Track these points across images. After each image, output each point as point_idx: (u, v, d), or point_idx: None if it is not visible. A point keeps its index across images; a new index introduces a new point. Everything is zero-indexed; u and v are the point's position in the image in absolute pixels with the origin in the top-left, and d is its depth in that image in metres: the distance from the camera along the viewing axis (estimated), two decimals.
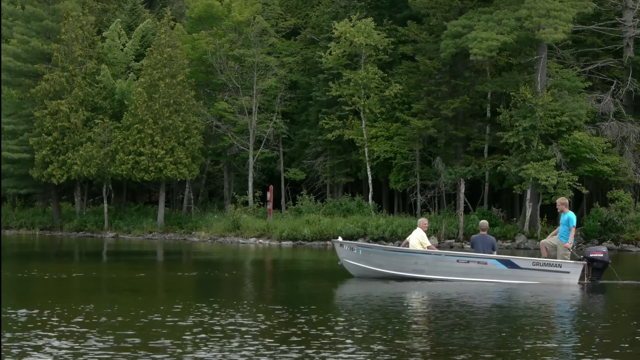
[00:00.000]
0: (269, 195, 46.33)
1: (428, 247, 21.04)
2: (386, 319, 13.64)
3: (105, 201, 52.80)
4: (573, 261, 20.29)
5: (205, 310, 14.30)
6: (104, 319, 13.11)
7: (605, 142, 41.86)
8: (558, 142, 41.25)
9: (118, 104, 51.91)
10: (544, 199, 40.96)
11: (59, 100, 50.14)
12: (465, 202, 44.37)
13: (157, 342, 11.03)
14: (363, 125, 47.94)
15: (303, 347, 10.85)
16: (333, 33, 48.10)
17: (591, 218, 40.98)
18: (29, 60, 51.84)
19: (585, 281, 20.13)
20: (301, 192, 50.03)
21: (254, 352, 10.44)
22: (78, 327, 12.14)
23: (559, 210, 21.05)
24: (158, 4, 69.82)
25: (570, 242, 20.33)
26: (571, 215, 20.43)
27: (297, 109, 53.47)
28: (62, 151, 50.31)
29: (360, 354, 10.36)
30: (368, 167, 48.18)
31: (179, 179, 51.11)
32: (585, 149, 40.96)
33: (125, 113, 49.83)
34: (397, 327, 12.73)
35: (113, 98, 52.06)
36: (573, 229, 20.37)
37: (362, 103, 47.47)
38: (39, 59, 52.04)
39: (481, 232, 21.27)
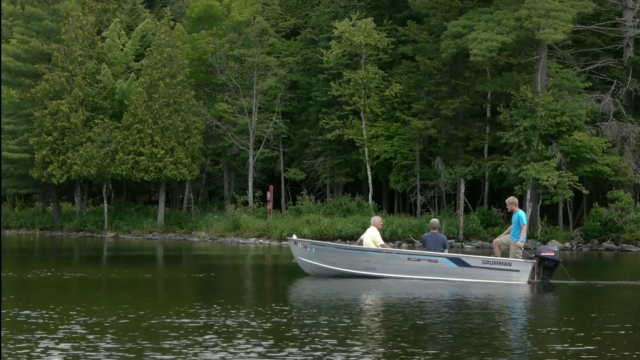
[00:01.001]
0: (269, 195, 46.34)
1: (381, 246, 21.22)
2: (331, 318, 13.59)
3: (105, 201, 52.81)
4: (523, 260, 20.37)
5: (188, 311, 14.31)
6: (109, 320, 13.10)
7: (605, 142, 41.86)
8: (558, 142, 41.25)
9: (118, 104, 51.92)
10: (544, 199, 40.96)
11: (59, 100, 50.16)
12: (465, 202, 44.37)
13: (141, 343, 11.03)
14: (363, 125, 47.96)
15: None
16: (333, 33, 48.12)
17: (591, 218, 40.97)
18: (29, 60, 51.85)
19: (536, 280, 20.22)
20: (301, 192, 50.03)
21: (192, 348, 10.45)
22: (84, 328, 12.13)
23: (509, 210, 21.21)
24: (158, 4, 69.81)
25: (521, 240, 20.43)
26: (521, 214, 20.52)
27: (297, 109, 53.47)
28: (62, 151, 50.31)
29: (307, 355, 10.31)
30: (368, 167, 48.19)
31: (179, 179, 51.13)
32: (585, 149, 40.95)
33: (125, 113, 49.84)
34: (344, 326, 12.69)
35: (113, 98, 52.07)
36: (524, 227, 20.43)
37: (362, 103, 47.48)
38: (39, 59, 52.05)
39: (432, 231, 21.40)
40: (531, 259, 20.40)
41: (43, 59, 52.14)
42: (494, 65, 46.86)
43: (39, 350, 10.30)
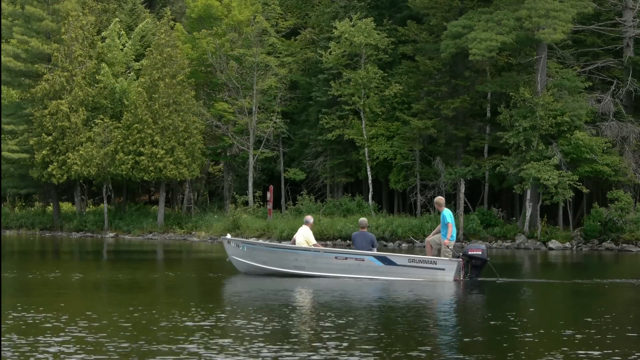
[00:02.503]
0: (269, 195, 46.34)
1: (314, 245, 21.47)
2: (263, 317, 13.64)
3: (105, 201, 52.83)
4: (448, 258, 20.54)
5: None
6: (110, 320, 13.11)
7: (605, 142, 41.86)
8: (558, 142, 41.24)
9: (118, 104, 51.93)
10: (544, 199, 40.95)
11: (59, 100, 50.17)
12: (465, 202, 44.37)
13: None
14: (363, 125, 47.96)
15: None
16: (333, 33, 48.12)
17: (591, 218, 40.96)
18: (29, 60, 51.87)
19: (462, 278, 20.37)
20: (301, 192, 50.04)
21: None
22: (90, 330, 12.13)
23: (436, 209, 21.36)
24: (158, 4, 69.83)
25: (448, 239, 20.57)
26: (446, 213, 20.66)
27: (297, 109, 53.48)
28: (62, 151, 50.32)
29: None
30: (368, 167, 48.20)
31: (179, 179, 51.14)
32: (585, 149, 40.96)
33: (125, 113, 49.85)
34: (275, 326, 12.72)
35: (113, 98, 52.08)
36: (450, 226, 20.55)
37: (362, 103, 47.49)
38: (39, 59, 52.07)
39: (361, 229, 21.55)
40: (458, 257, 20.57)
41: (43, 59, 52.15)
42: (494, 65, 46.87)
43: (48, 353, 10.30)
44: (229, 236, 22.38)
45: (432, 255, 20.90)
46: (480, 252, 20.49)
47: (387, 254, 21.73)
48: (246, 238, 43.17)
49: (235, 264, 21.86)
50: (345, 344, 10.97)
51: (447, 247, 20.55)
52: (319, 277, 20.68)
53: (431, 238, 21.38)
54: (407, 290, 18.49)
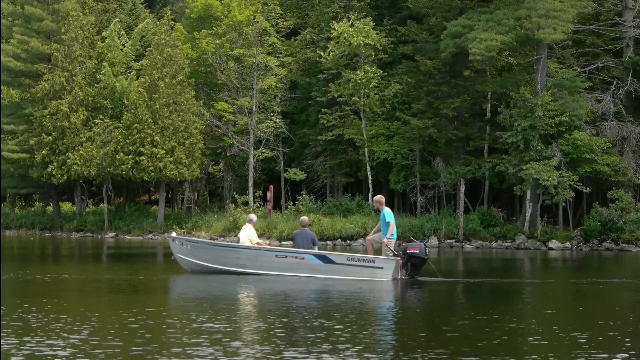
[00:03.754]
0: (269, 195, 46.33)
1: (257, 243, 21.68)
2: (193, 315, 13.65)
3: (105, 201, 52.85)
4: (387, 257, 20.66)
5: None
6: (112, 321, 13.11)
7: (605, 142, 41.86)
8: (558, 142, 41.24)
9: (118, 104, 51.94)
10: (544, 199, 40.95)
11: (59, 100, 50.18)
12: (465, 202, 44.38)
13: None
14: (363, 125, 47.97)
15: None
16: (332, 33, 48.12)
17: (591, 218, 40.96)
18: (29, 60, 51.87)
19: (400, 276, 20.47)
20: (301, 192, 50.04)
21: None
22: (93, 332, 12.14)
23: (375, 208, 21.49)
24: (158, 4, 69.88)
25: (388, 237, 20.67)
26: (386, 212, 20.76)
27: (297, 109, 53.47)
28: (62, 151, 50.33)
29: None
30: (368, 167, 48.20)
31: (179, 179, 51.14)
32: (585, 149, 40.96)
33: (125, 113, 49.86)
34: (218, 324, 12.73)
35: (113, 98, 52.09)
36: (391, 224, 20.64)
37: (362, 103, 47.49)
38: (39, 59, 52.07)
39: (302, 228, 21.74)
40: (397, 256, 20.68)
41: (43, 59, 52.15)
42: (494, 65, 46.86)
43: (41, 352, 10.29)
44: (174, 234, 22.63)
45: (373, 254, 21.12)
46: (418, 251, 20.61)
47: (327, 252, 21.97)
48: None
49: (180, 262, 22.06)
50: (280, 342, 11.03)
51: (387, 245, 20.69)
52: (260, 275, 20.83)
53: (372, 237, 21.56)
54: (345, 288, 18.68)
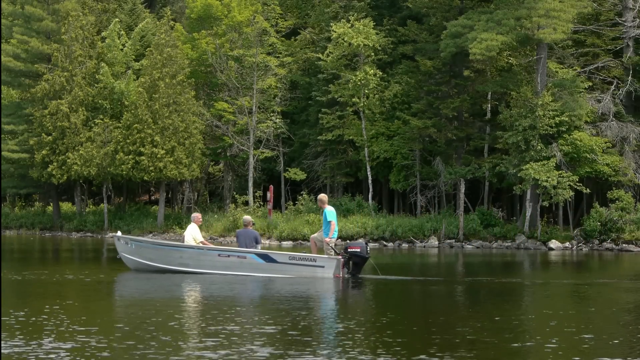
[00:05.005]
0: (269, 195, 46.35)
1: (201, 242, 21.81)
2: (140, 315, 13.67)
3: (105, 201, 52.85)
4: (328, 256, 20.81)
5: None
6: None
7: (605, 142, 41.85)
8: (558, 142, 41.23)
9: (118, 104, 51.94)
10: (543, 199, 40.94)
11: (59, 100, 50.18)
12: (465, 202, 44.37)
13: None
14: (363, 125, 47.96)
15: None
16: (332, 35, 48.09)
17: (591, 218, 40.93)
18: (29, 60, 51.87)
19: (341, 275, 20.57)
20: (301, 192, 50.04)
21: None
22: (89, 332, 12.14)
23: (319, 206, 21.64)
24: (158, 4, 69.87)
25: (330, 236, 20.83)
26: (328, 211, 20.94)
27: (297, 109, 53.47)
28: (61, 151, 50.32)
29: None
30: (368, 167, 48.19)
31: (179, 179, 51.13)
32: (585, 149, 40.95)
33: (125, 113, 49.85)
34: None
35: (113, 98, 52.09)
36: (332, 224, 20.82)
37: (362, 104, 47.48)
38: (39, 59, 52.07)
39: (244, 227, 21.90)
40: (339, 254, 20.81)
41: (43, 59, 52.15)
42: (494, 65, 46.85)
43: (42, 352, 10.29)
44: (119, 233, 22.85)
45: (316, 253, 21.27)
46: (359, 250, 20.77)
47: (269, 251, 22.15)
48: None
49: (125, 261, 22.22)
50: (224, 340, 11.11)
51: (328, 244, 20.83)
52: (203, 274, 20.90)
53: (315, 236, 21.80)
54: (287, 286, 18.88)
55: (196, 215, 22.52)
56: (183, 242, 22.16)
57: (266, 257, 21.16)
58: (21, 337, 11.16)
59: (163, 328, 12.17)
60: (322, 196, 21.70)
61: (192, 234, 21.83)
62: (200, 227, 22.49)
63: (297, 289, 18.63)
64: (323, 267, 20.66)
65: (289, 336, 11.58)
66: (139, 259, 21.86)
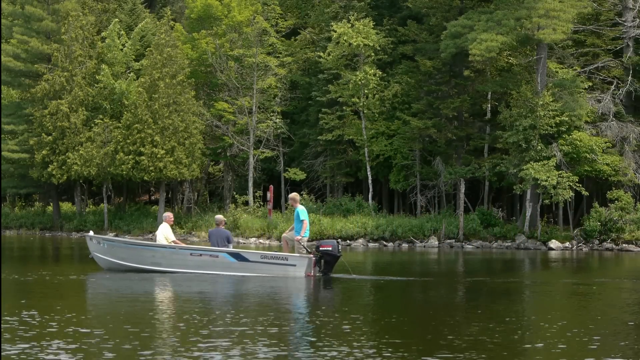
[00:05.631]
0: (269, 195, 46.35)
1: (173, 242, 21.91)
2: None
3: (105, 201, 52.85)
4: (299, 255, 20.91)
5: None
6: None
7: (605, 142, 41.87)
8: (558, 142, 41.24)
9: (118, 104, 51.94)
10: (544, 199, 40.94)
11: (59, 100, 50.18)
12: (465, 202, 44.38)
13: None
14: (363, 125, 47.97)
15: None
16: (332, 34, 48.11)
17: (591, 218, 40.94)
18: (29, 60, 51.86)
19: (313, 273, 20.68)
20: (301, 192, 50.02)
21: None
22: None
23: (289, 205, 21.79)
24: (158, 4, 69.85)
25: (302, 235, 20.95)
26: (300, 210, 21.06)
27: (297, 109, 53.47)
28: (61, 151, 50.32)
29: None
30: (368, 167, 48.20)
31: (179, 179, 51.12)
32: (585, 149, 40.96)
33: (125, 113, 49.85)
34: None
35: (113, 98, 52.09)
36: (305, 223, 20.96)
37: (362, 104, 47.48)
38: (39, 59, 52.06)
39: (216, 226, 22.00)
40: (310, 253, 20.90)
41: (43, 59, 52.14)
42: (494, 65, 46.86)
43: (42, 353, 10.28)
44: (91, 233, 22.86)
45: (288, 251, 21.38)
46: (330, 248, 20.87)
47: (241, 250, 22.24)
48: (248, 238, 43.32)
49: (97, 261, 22.29)
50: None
51: (300, 243, 20.92)
52: (176, 273, 20.98)
53: (286, 235, 21.93)
54: (258, 285, 18.97)
55: (168, 214, 22.56)
56: (155, 241, 22.26)
57: (238, 256, 21.28)
58: None
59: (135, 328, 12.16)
60: (294, 195, 21.85)
61: (164, 233, 21.90)
62: (171, 226, 22.50)
63: (268, 288, 18.69)
64: (295, 265, 20.79)
65: (259, 334, 11.63)
66: (111, 259, 21.92)
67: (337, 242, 21.32)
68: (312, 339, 11.38)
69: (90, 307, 15.24)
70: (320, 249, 20.90)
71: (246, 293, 18.05)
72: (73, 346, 10.50)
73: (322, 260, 20.88)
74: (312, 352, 10.32)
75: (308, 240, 21.55)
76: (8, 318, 12.81)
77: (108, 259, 21.95)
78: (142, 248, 22.19)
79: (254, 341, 11.03)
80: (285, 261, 20.93)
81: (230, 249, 21.59)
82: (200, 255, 21.41)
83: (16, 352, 10.07)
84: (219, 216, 22.50)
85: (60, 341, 10.84)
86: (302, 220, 20.94)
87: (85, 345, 10.58)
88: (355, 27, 47.40)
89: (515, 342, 11.56)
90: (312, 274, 20.65)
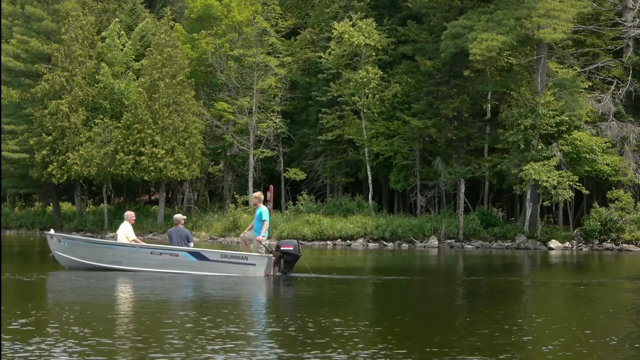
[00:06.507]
0: (269, 195, 46.28)
1: (133, 240, 21.98)
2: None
3: (105, 201, 52.85)
4: (259, 254, 20.94)
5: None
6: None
7: (605, 142, 41.87)
8: (558, 142, 41.23)
9: (118, 104, 51.95)
10: (544, 200, 40.93)
11: (59, 100, 50.18)
12: (465, 202, 44.37)
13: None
14: (363, 125, 47.97)
15: None
16: (332, 33, 48.12)
17: (591, 218, 40.95)
18: (29, 60, 51.86)
19: (273, 273, 20.71)
20: (301, 192, 50.04)
21: None
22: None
23: (252, 205, 21.72)
24: (158, 4, 69.87)
25: (262, 235, 20.96)
26: (262, 210, 21.04)
27: (297, 109, 53.48)
28: (61, 151, 50.33)
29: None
30: (368, 167, 48.20)
31: (179, 179, 51.13)
32: (585, 149, 40.96)
33: (125, 113, 49.87)
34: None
35: (113, 98, 52.10)
36: (265, 223, 20.97)
37: (362, 103, 47.49)
38: (39, 59, 52.06)
39: (175, 226, 22.00)
40: (271, 252, 20.94)
41: (43, 59, 52.14)
42: (494, 65, 46.86)
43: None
44: (52, 231, 22.89)
45: (247, 251, 21.40)
46: (291, 248, 20.94)
47: (201, 249, 22.21)
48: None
49: (58, 259, 22.31)
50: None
51: (260, 243, 20.94)
52: (136, 272, 21.01)
53: (244, 235, 21.92)
54: (217, 284, 19.01)
55: (129, 213, 22.66)
56: (116, 240, 22.32)
57: (198, 255, 21.32)
58: None
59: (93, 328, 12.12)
60: (258, 194, 21.82)
61: (125, 232, 21.97)
62: (133, 225, 22.56)
63: (227, 287, 18.71)
64: (254, 265, 20.83)
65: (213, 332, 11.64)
66: (72, 257, 21.98)
67: (298, 242, 21.47)
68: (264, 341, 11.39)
69: (35, 309, 14.77)
70: (281, 248, 20.94)
71: (203, 294, 17.96)
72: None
73: (282, 260, 20.94)
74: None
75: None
76: None
77: (69, 258, 22.02)
78: (102, 246, 22.25)
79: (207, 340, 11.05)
80: (245, 260, 20.98)
81: (191, 248, 21.64)
82: (161, 254, 21.47)
83: None
84: (178, 215, 22.52)
85: None
86: (263, 221, 20.95)
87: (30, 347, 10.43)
88: (357, 26, 47.40)
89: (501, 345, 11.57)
90: (271, 273, 20.70)
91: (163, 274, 20.78)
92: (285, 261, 20.92)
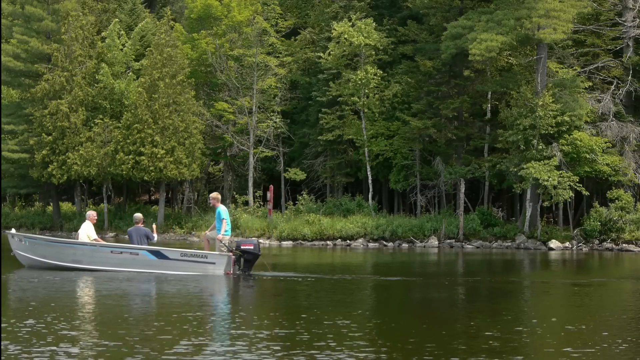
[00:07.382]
0: (269, 195, 46.35)
1: (94, 240, 22.11)
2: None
3: (105, 201, 52.83)
4: (219, 253, 21.07)
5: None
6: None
7: (605, 142, 41.86)
8: (558, 142, 41.23)
9: (118, 104, 51.94)
10: (544, 200, 40.93)
11: (59, 100, 50.16)
12: (465, 202, 44.37)
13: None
14: (363, 125, 47.96)
15: None
16: (332, 33, 48.11)
17: (591, 218, 40.95)
18: (29, 60, 51.82)
19: (232, 272, 20.85)
20: (301, 192, 50.04)
21: None
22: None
23: (211, 205, 21.92)
24: (158, 4, 69.86)
25: (222, 233, 21.12)
26: (221, 209, 21.24)
27: (297, 109, 53.48)
28: (61, 151, 50.31)
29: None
30: (368, 167, 48.20)
31: (179, 179, 51.12)
32: (585, 149, 40.96)
33: (125, 113, 49.86)
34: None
35: (113, 98, 52.08)
36: (224, 222, 21.14)
37: (362, 103, 47.48)
38: (39, 59, 52.03)
39: (135, 225, 22.14)
40: (231, 251, 21.06)
41: (43, 59, 52.12)
42: (493, 65, 46.86)
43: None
44: (13, 230, 23.05)
45: (209, 250, 21.52)
46: (252, 247, 21.11)
47: (161, 248, 22.33)
48: (243, 237, 43.25)
49: (19, 258, 22.38)
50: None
51: (221, 241, 21.08)
52: (97, 271, 21.04)
53: (207, 233, 22.14)
54: (176, 283, 19.05)
55: (91, 213, 22.80)
56: (77, 239, 22.40)
57: (158, 254, 21.45)
58: None
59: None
60: (215, 194, 22.01)
61: (86, 231, 22.09)
62: (94, 225, 22.63)
63: (187, 286, 18.76)
64: (214, 263, 20.96)
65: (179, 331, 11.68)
66: (33, 256, 22.05)
67: (258, 241, 21.67)
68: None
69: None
70: (241, 247, 21.08)
71: (163, 291, 18.00)
72: None
73: (242, 259, 21.07)
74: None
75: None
76: None
77: (29, 257, 22.08)
78: (63, 246, 22.37)
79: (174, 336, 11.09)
80: (204, 259, 21.12)
81: (150, 246, 21.76)
82: (121, 252, 21.59)
83: None
84: (138, 214, 22.74)
85: None
86: (223, 219, 21.12)
87: None
88: (357, 26, 47.39)
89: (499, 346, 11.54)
90: (231, 272, 20.83)
91: (123, 272, 20.80)
92: (245, 260, 21.07)
